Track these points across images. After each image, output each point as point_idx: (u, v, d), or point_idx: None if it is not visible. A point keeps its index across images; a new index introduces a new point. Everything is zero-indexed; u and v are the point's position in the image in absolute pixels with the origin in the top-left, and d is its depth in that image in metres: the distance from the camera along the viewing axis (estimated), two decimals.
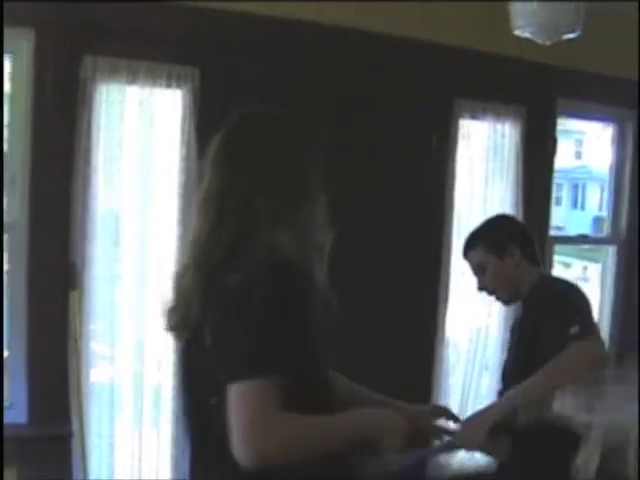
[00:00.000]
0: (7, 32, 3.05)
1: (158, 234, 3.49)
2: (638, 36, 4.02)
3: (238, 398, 1.55)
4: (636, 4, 3.85)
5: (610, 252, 4.96)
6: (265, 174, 1.75)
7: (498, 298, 2.85)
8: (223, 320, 1.62)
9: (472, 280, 4.25)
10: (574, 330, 2.42)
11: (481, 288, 2.82)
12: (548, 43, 2.88)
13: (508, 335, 4.31)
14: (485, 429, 2.43)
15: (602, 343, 2.58)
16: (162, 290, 3.47)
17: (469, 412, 4.30)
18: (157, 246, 3.48)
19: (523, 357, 2.70)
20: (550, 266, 4.62)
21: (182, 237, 3.43)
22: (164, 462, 3.56)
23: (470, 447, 2.61)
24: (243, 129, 1.84)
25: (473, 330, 4.37)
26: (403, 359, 3.99)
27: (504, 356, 4.30)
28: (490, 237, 2.77)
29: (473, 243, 2.80)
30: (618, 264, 4.90)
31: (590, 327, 2.50)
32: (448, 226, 4.19)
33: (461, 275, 4.30)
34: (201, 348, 1.67)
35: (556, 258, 4.89)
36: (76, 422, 3.29)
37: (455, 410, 4.12)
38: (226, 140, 1.82)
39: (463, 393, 4.35)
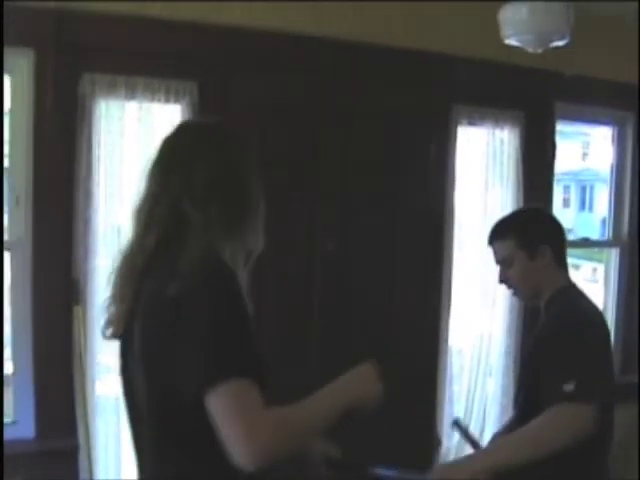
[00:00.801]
0: (7, 51, 3.09)
1: None
2: (638, 39, 4.03)
3: (228, 402, 1.54)
4: (635, 6, 3.86)
5: (613, 254, 4.96)
6: (194, 180, 1.74)
7: (516, 294, 2.71)
8: (176, 331, 1.60)
9: (475, 287, 4.33)
10: (569, 388, 2.18)
11: (502, 281, 2.65)
12: (539, 51, 2.90)
13: (512, 340, 4.36)
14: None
15: (593, 408, 2.19)
16: None
17: (474, 419, 4.36)
18: None
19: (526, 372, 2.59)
20: None
21: None
22: None
23: None
24: (177, 138, 1.85)
25: (477, 336, 4.38)
26: (407, 366, 4.00)
27: (508, 361, 4.36)
28: (524, 232, 2.58)
29: (504, 234, 2.62)
30: (621, 266, 4.91)
31: (587, 388, 2.20)
32: (449, 233, 4.21)
33: (463, 282, 4.34)
34: (132, 353, 1.71)
35: None
36: (82, 436, 3.30)
37: (460, 416, 4.22)
38: (159, 149, 1.83)
39: (467, 400, 4.36)
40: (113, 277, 1.81)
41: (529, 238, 2.56)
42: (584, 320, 2.45)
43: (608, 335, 2.51)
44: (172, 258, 1.67)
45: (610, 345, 2.50)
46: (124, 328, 1.78)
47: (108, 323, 1.84)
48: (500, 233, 2.63)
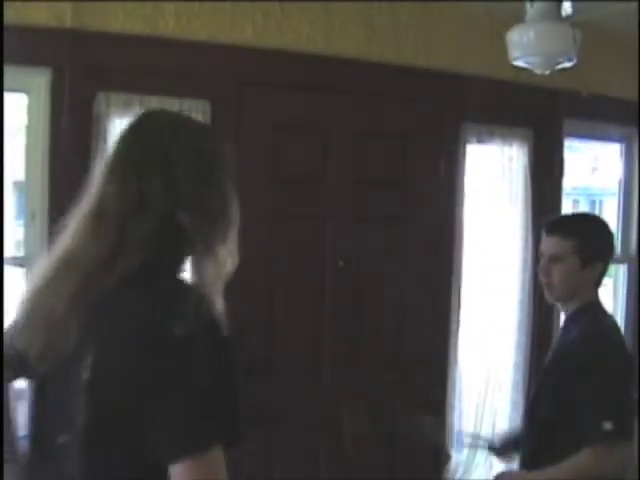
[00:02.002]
0: (24, 70, 3.17)
1: None
2: (638, 57, 4.06)
3: (206, 470, 1.38)
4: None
5: (621, 270, 4.98)
6: (181, 185, 1.52)
7: (548, 290, 2.68)
8: (176, 373, 1.40)
9: (484, 303, 4.35)
10: (607, 426, 2.30)
11: (541, 272, 2.66)
12: (546, 73, 2.93)
13: (521, 356, 4.38)
14: None
15: (630, 447, 2.42)
16: None
17: (482, 434, 4.37)
18: None
19: (552, 384, 2.61)
20: None
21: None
22: None
23: None
24: (158, 132, 1.59)
25: (486, 352, 4.39)
26: (415, 381, 4.04)
27: (517, 377, 4.37)
28: (587, 241, 2.59)
29: (566, 232, 2.61)
30: (629, 283, 4.92)
31: (625, 426, 2.36)
32: (458, 250, 4.22)
33: (473, 298, 4.36)
34: (76, 385, 1.45)
35: None
36: None
37: (469, 431, 4.24)
38: (125, 145, 1.59)
39: (477, 415, 4.37)
40: (37, 298, 1.52)
41: (590, 249, 2.58)
42: (616, 338, 2.58)
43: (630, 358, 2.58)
44: (160, 282, 1.49)
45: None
46: (50, 365, 1.48)
47: (20, 360, 1.53)
48: (563, 230, 2.63)
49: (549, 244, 2.63)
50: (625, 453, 2.38)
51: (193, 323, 1.40)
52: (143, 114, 1.68)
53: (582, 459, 2.36)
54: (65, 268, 1.51)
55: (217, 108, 3.55)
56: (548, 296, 2.70)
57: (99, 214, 1.52)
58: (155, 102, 3.42)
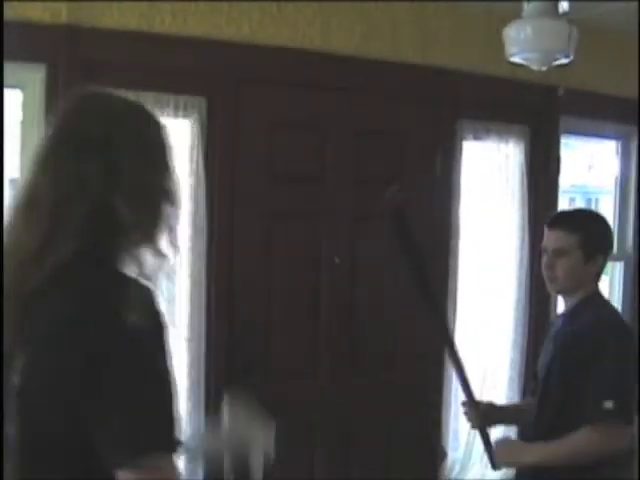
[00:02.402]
0: (19, 66, 3.14)
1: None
2: (638, 54, 4.06)
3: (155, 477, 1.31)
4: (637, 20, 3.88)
5: (617, 268, 4.98)
6: (120, 168, 1.42)
7: (552, 283, 2.73)
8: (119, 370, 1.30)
9: (480, 300, 4.34)
10: (608, 405, 2.39)
11: (546, 267, 2.70)
12: (543, 69, 2.93)
13: (517, 353, 4.37)
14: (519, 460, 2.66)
15: (630, 431, 2.50)
16: (168, 315, 3.56)
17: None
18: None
19: (562, 370, 2.66)
20: None
21: (193, 264, 3.51)
22: None
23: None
24: (97, 115, 1.50)
25: (481, 349, 4.39)
26: (412, 380, 4.04)
27: (513, 374, 4.37)
28: (590, 236, 2.66)
29: (570, 227, 2.67)
30: (625, 280, 4.92)
31: (625, 407, 2.44)
32: (455, 247, 4.23)
33: (469, 295, 4.36)
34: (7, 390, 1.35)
35: None
36: None
37: (465, 429, 4.24)
38: (72, 121, 1.50)
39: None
40: None
41: (593, 244, 2.66)
42: (617, 322, 2.70)
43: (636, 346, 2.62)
44: (95, 274, 1.38)
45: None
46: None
47: None
48: (567, 225, 2.70)
49: (552, 238, 2.69)
50: (624, 435, 2.46)
51: (134, 319, 1.28)
52: (79, 97, 1.57)
53: (581, 436, 2.44)
54: (4, 264, 1.40)
55: (213, 105, 3.54)
56: (551, 288, 2.78)
57: (32, 203, 1.41)
58: (150, 99, 3.41)
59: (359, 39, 3.85)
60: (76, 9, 3.23)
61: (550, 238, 2.70)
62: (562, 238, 2.66)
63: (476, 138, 4.25)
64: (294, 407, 3.66)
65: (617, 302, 4.92)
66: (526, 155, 4.36)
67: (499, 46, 3.23)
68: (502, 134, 4.30)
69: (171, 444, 1.34)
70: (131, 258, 1.43)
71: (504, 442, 2.82)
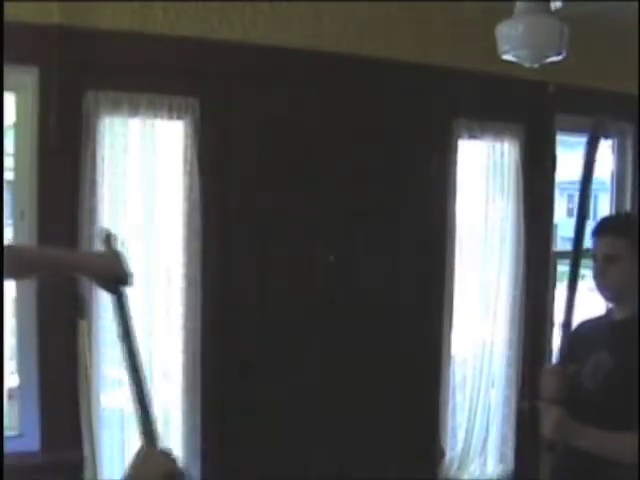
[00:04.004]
0: (12, 69, 3.12)
1: (163, 262, 3.56)
2: (638, 50, 4.05)
3: None
4: (635, 16, 3.88)
5: None
6: None
7: (604, 291, 2.58)
8: None
9: (476, 299, 4.35)
10: None
11: (597, 276, 2.56)
12: (535, 66, 2.93)
13: (513, 352, 4.37)
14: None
15: None
16: (168, 315, 3.57)
17: (476, 430, 4.37)
18: (162, 273, 3.56)
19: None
20: (555, 279, 4.57)
21: (187, 265, 3.51)
22: None
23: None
24: None
25: (479, 347, 4.39)
26: (409, 377, 4.04)
27: (510, 372, 4.36)
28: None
29: (617, 231, 2.55)
30: None
31: None
32: (450, 245, 4.23)
33: (465, 294, 4.36)
34: None
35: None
36: (87, 448, 3.30)
37: (463, 426, 4.25)
38: None
39: (470, 410, 4.37)
40: None
41: None
42: None
43: None
44: None
45: None
46: None
47: None
48: (613, 229, 2.58)
49: (598, 246, 2.57)
50: None
51: None
52: None
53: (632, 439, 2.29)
54: None
55: (206, 106, 3.53)
56: (604, 297, 2.63)
57: None
58: (144, 100, 3.41)
59: (353, 38, 3.85)
60: (68, 11, 3.22)
61: (597, 247, 2.56)
62: (609, 244, 2.53)
63: (471, 136, 4.24)
64: (291, 406, 3.67)
65: None
66: (521, 153, 4.35)
67: (494, 45, 3.21)
68: (497, 132, 4.29)
69: None
70: None
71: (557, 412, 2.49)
